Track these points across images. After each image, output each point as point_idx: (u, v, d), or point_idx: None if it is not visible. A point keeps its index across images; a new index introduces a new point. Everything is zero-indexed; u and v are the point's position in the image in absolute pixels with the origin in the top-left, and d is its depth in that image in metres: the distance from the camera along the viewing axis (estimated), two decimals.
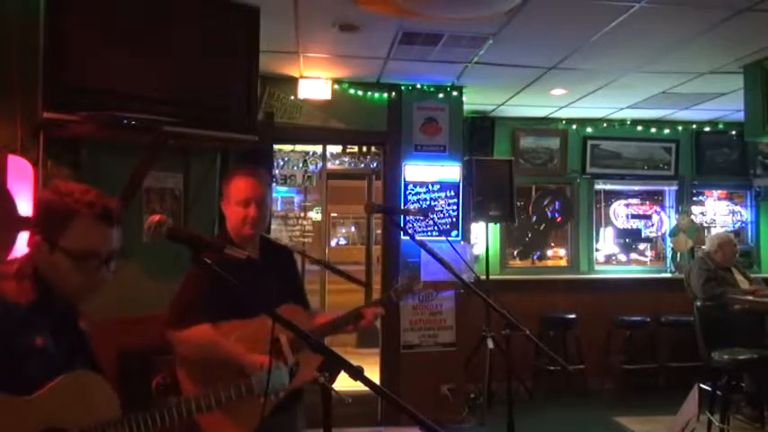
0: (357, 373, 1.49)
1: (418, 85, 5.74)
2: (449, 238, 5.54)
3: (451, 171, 5.79)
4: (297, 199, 7.15)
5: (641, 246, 7.60)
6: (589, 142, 7.14)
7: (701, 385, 4.22)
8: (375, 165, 6.50)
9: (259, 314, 2.23)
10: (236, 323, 2.30)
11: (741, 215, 7.58)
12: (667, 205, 7.52)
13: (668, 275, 7.18)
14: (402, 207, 5.56)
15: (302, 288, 2.75)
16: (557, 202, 7.19)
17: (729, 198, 7.61)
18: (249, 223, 2.43)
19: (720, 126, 7.30)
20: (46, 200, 1.67)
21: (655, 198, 7.61)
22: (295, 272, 2.73)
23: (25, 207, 3.12)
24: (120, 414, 1.64)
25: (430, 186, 5.74)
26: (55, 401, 1.54)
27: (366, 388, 1.48)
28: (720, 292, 5.29)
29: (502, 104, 6.41)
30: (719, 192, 7.58)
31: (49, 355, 1.57)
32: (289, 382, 2.25)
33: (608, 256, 7.47)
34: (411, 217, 5.54)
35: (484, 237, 6.24)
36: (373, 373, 5.46)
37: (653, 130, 7.17)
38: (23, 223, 3.02)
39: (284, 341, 2.27)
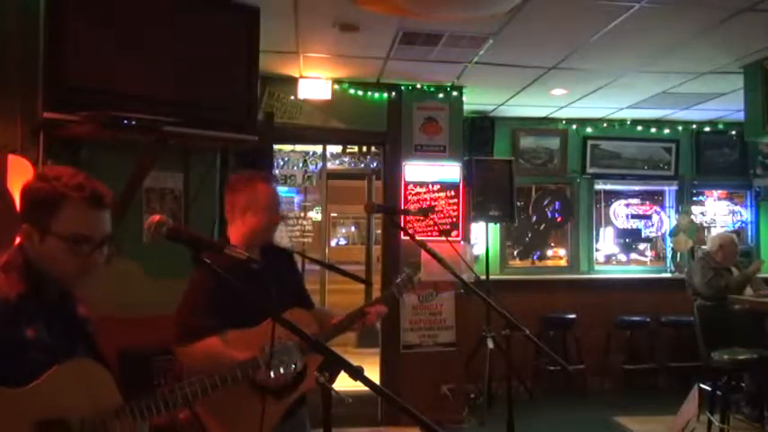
0: (357, 373, 1.49)
1: (418, 85, 5.74)
2: (449, 238, 5.53)
3: (451, 171, 5.79)
4: (297, 199, 7.17)
5: (641, 246, 7.60)
6: (589, 142, 7.14)
7: (701, 385, 4.22)
8: (375, 165, 6.51)
9: (262, 320, 2.23)
10: (241, 333, 2.27)
11: (741, 215, 7.58)
12: (667, 205, 7.52)
13: (668, 275, 7.18)
14: (402, 207, 5.56)
15: (305, 289, 2.73)
16: (557, 202, 7.19)
17: (729, 198, 7.61)
18: (274, 231, 2.46)
19: (720, 126, 7.30)
20: (33, 187, 1.63)
21: (655, 198, 7.61)
22: (296, 273, 2.72)
23: None
24: (120, 401, 1.63)
25: (430, 186, 5.74)
26: (52, 391, 1.52)
27: (366, 388, 1.48)
28: (725, 284, 5.31)
29: (502, 104, 6.41)
30: (719, 192, 7.58)
31: (42, 347, 1.55)
32: (297, 387, 2.25)
33: (608, 256, 7.47)
34: (411, 217, 5.54)
35: (484, 237, 6.24)
36: (373, 373, 5.46)
37: (653, 130, 7.17)
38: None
39: None
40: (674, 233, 7.22)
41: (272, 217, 2.42)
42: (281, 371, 1.91)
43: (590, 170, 7.16)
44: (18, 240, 1.65)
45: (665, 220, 7.50)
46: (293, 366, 1.93)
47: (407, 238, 3.19)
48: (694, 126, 7.27)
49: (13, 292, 1.56)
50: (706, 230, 7.29)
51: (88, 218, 1.61)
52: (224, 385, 1.83)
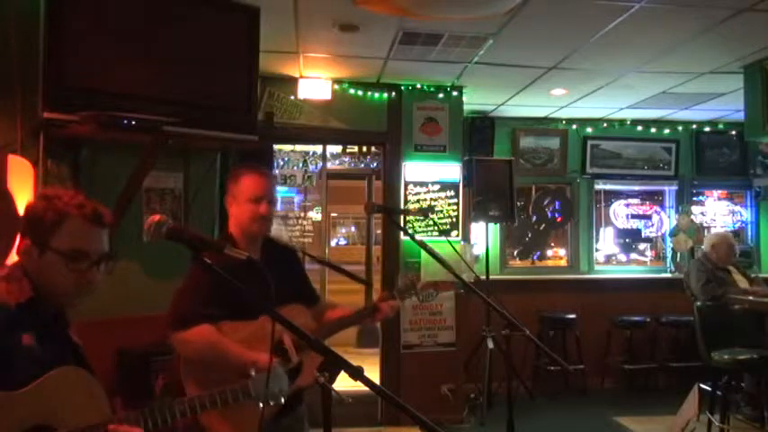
0: (357, 373, 1.49)
1: (418, 85, 5.74)
2: (449, 238, 5.53)
3: (451, 171, 5.79)
4: (297, 199, 7.16)
5: (641, 246, 7.60)
6: (589, 142, 7.14)
7: (701, 385, 4.23)
8: (375, 165, 6.50)
9: (260, 315, 2.23)
10: (237, 325, 2.29)
11: (741, 215, 7.58)
12: (667, 205, 7.52)
13: (668, 275, 7.17)
14: (402, 207, 5.56)
15: (309, 285, 2.73)
16: (557, 202, 7.19)
17: (729, 198, 7.61)
18: (260, 221, 2.43)
19: (720, 126, 7.30)
20: (34, 206, 1.68)
21: (655, 198, 7.61)
22: (300, 270, 2.71)
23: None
24: (109, 413, 1.63)
25: (430, 186, 5.74)
26: (43, 397, 1.53)
27: (366, 388, 1.48)
28: (722, 293, 5.29)
29: (502, 104, 6.41)
30: (719, 192, 7.58)
31: (35, 355, 1.57)
32: (293, 383, 2.25)
33: (608, 256, 7.47)
34: (411, 217, 5.54)
35: (484, 237, 6.23)
36: (373, 373, 5.46)
37: (653, 130, 7.17)
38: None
39: (288, 342, 2.27)
40: (674, 233, 7.22)
41: (253, 208, 2.41)
42: (271, 403, 1.89)
43: (590, 170, 7.16)
44: (18, 256, 1.67)
45: (665, 220, 7.50)
46: (282, 399, 1.90)
47: (407, 237, 3.21)
48: (694, 126, 7.27)
49: (12, 300, 1.58)
50: (706, 230, 7.29)
51: (88, 234, 1.65)
52: (213, 407, 1.83)
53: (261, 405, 1.86)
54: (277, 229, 6.26)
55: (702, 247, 6.30)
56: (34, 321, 1.60)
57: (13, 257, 2.18)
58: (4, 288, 1.60)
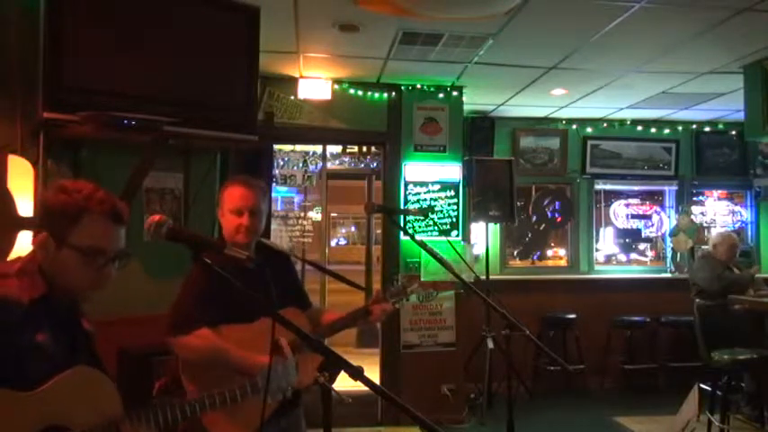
0: (357, 373, 1.49)
1: (418, 85, 5.74)
2: (449, 238, 5.53)
3: (451, 171, 5.79)
4: (297, 199, 7.15)
5: (641, 246, 7.61)
6: (589, 142, 7.14)
7: (701, 385, 4.23)
8: (375, 165, 6.50)
9: (258, 318, 2.23)
10: (235, 327, 2.29)
11: (741, 215, 7.58)
12: (667, 205, 7.52)
13: (668, 275, 7.18)
14: (402, 207, 5.57)
15: (302, 289, 2.75)
16: (557, 202, 7.19)
17: (729, 198, 7.61)
18: (242, 232, 2.44)
19: (720, 126, 7.30)
20: (53, 198, 1.65)
21: (655, 198, 7.61)
22: (293, 276, 2.72)
23: (25, 207, 3.12)
24: (122, 412, 1.64)
25: (430, 186, 5.74)
26: (58, 397, 1.53)
27: (366, 388, 1.48)
28: (734, 278, 5.35)
29: (502, 104, 6.41)
30: (719, 192, 7.59)
31: (48, 353, 1.56)
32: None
33: (608, 256, 7.47)
34: (411, 217, 5.54)
35: (484, 237, 6.24)
36: (373, 373, 5.46)
37: (653, 130, 7.17)
38: (23, 223, 3.02)
39: (284, 343, 2.27)
40: (674, 233, 7.23)
41: (235, 219, 2.43)
42: (279, 396, 1.90)
43: (590, 170, 7.16)
44: (33, 248, 1.66)
45: (665, 220, 7.50)
46: (290, 392, 1.93)
47: (407, 237, 3.21)
48: (694, 126, 7.28)
49: (26, 297, 1.57)
50: (706, 230, 7.30)
51: (106, 232, 1.64)
52: (224, 406, 1.87)
53: (266, 398, 1.86)
54: (277, 230, 6.26)
55: (704, 246, 6.32)
56: (48, 318, 1.59)
57: (12, 257, 2.17)
58: (16, 284, 1.58)
